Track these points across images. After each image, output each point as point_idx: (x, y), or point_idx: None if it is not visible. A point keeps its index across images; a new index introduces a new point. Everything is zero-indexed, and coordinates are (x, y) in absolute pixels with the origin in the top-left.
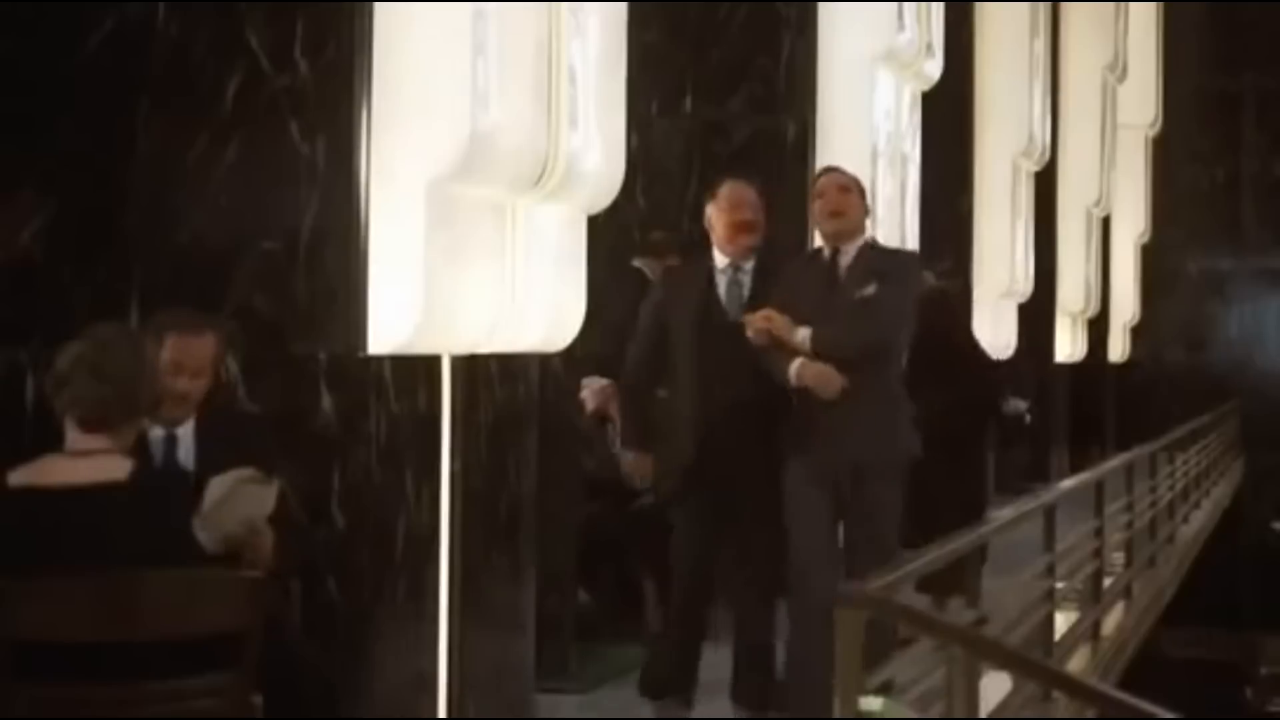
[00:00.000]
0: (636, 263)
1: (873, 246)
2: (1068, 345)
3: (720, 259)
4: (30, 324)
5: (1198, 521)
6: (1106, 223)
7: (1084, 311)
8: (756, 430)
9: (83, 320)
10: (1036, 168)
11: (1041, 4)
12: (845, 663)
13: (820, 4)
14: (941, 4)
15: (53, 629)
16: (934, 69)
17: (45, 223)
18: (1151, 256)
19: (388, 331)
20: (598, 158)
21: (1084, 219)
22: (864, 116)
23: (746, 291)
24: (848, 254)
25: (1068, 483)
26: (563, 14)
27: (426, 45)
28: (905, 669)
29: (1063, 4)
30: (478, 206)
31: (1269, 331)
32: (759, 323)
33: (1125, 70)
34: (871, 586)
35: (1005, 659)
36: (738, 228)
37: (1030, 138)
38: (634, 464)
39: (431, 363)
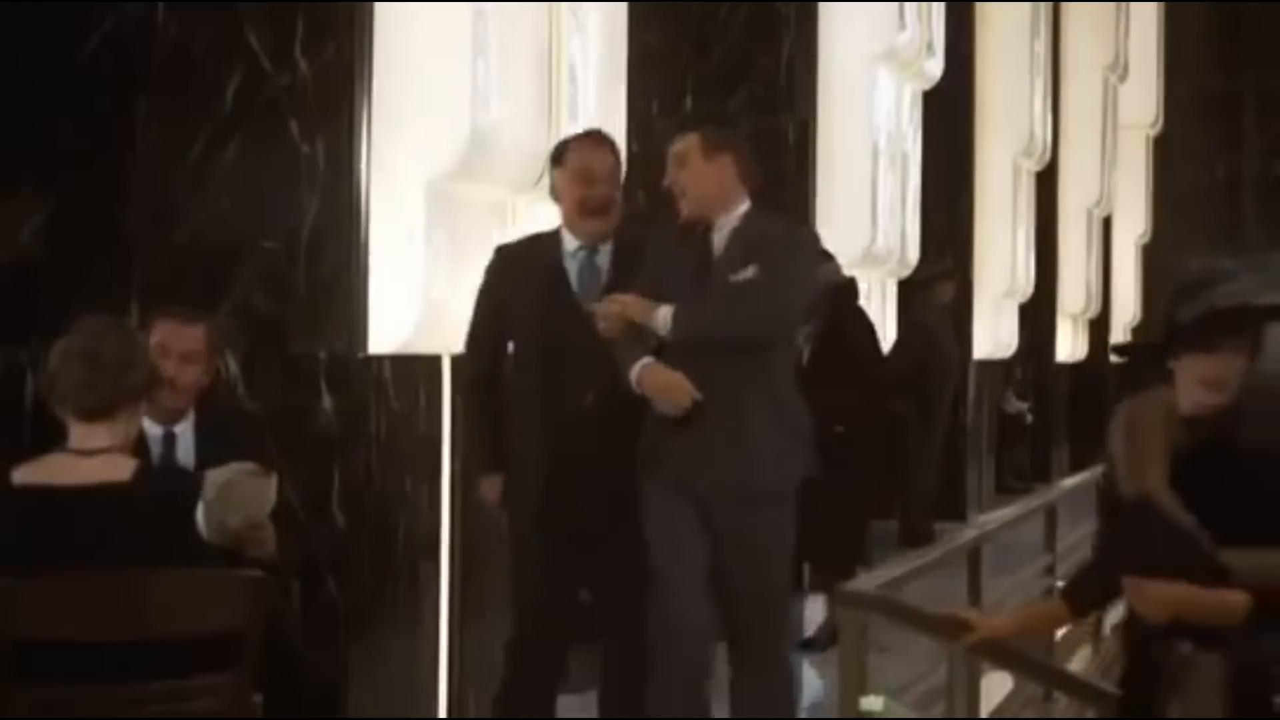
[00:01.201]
0: None
1: (754, 219)
2: (1068, 346)
3: (570, 239)
4: (30, 323)
5: None
6: (1107, 223)
7: (1085, 312)
8: (616, 446)
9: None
10: (1037, 168)
11: (1042, 4)
12: (847, 662)
13: (821, 3)
14: (942, 4)
15: (53, 629)
16: (935, 68)
17: (45, 222)
18: (1152, 256)
19: (388, 331)
20: None
21: (1085, 219)
22: (864, 116)
23: (605, 278)
24: (723, 230)
25: (1068, 482)
26: (563, 14)
27: (426, 45)
28: (906, 669)
29: (1063, 4)
30: (478, 206)
31: (1270, 332)
32: (610, 308)
33: (1126, 70)
34: (872, 585)
35: (1006, 658)
36: (586, 207)
37: (1031, 137)
38: (485, 486)
39: (431, 363)
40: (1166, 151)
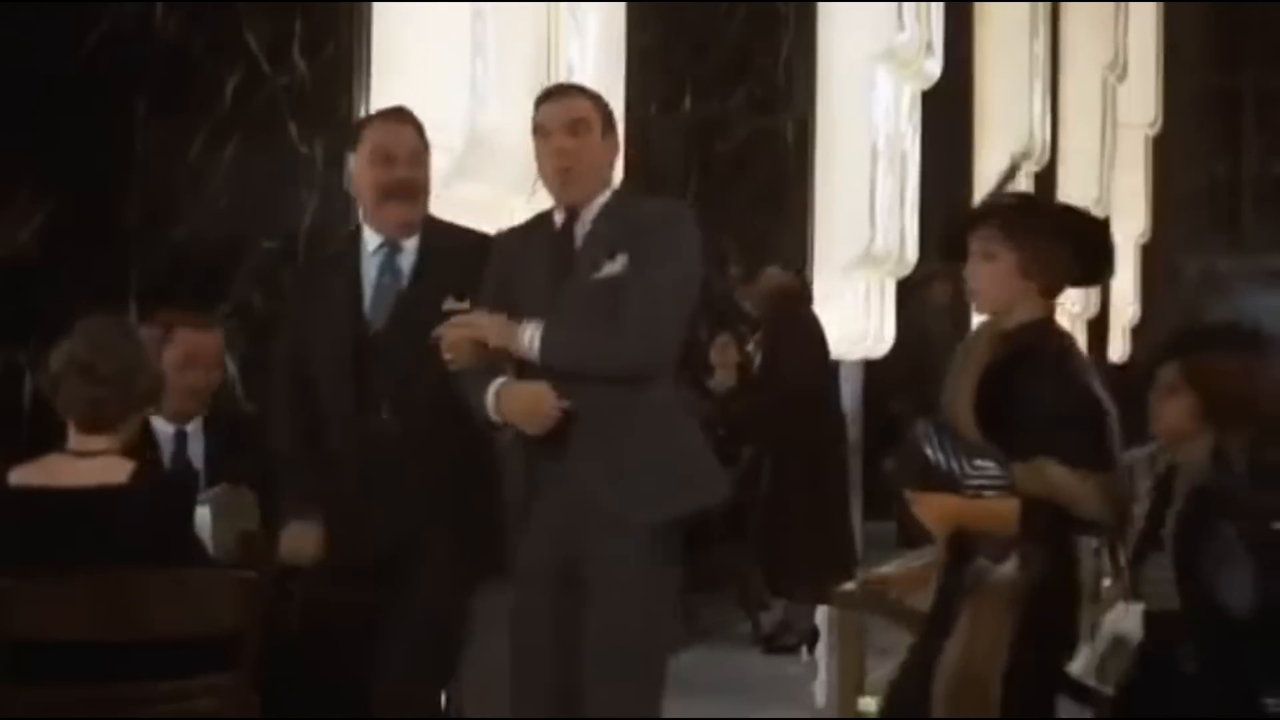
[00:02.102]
0: None
1: (622, 199)
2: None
3: (370, 236)
4: (29, 323)
5: None
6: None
7: (1083, 312)
8: (423, 468)
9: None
10: (1036, 167)
11: (1041, 3)
12: (844, 663)
13: (820, 3)
14: (941, 3)
15: (51, 629)
16: (934, 68)
17: (44, 222)
18: (1151, 256)
19: None
20: None
21: None
22: (863, 116)
23: (406, 281)
24: (585, 218)
25: None
26: (561, 14)
27: (424, 45)
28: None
29: (1062, 3)
30: (477, 206)
31: (1271, 331)
32: (455, 335)
33: (1125, 70)
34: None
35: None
36: (389, 190)
37: (1030, 137)
38: (293, 537)
39: None
40: (1166, 151)
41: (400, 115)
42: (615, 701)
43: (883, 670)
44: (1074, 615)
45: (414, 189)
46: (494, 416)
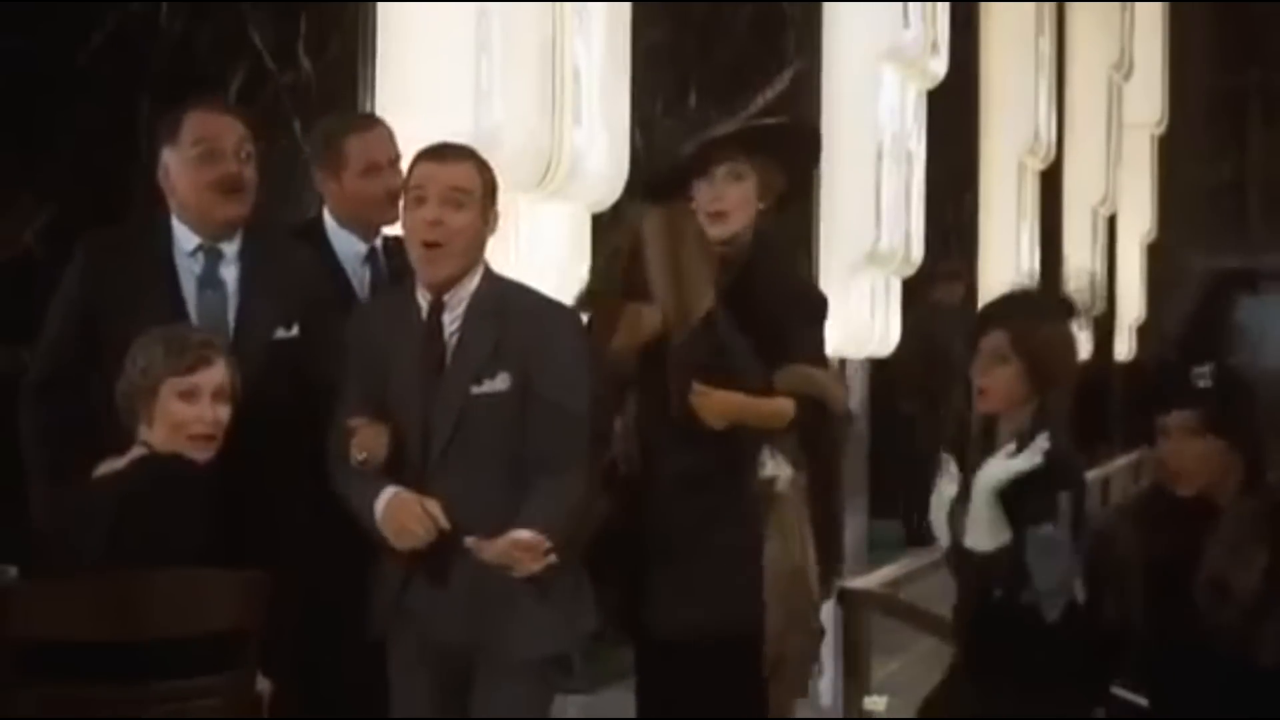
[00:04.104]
0: None
1: (495, 286)
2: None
3: (186, 235)
4: (32, 323)
5: None
6: (1112, 222)
7: (1090, 310)
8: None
9: None
10: (1042, 166)
11: (1047, 2)
12: (851, 661)
13: (825, 3)
14: (947, 2)
15: (54, 629)
16: (939, 67)
17: (48, 221)
18: (1158, 256)
19: None
20: (602, 156)
21: (1089, 218)
22: (869, 115)
23: (231, 295)
24: (454, 307)
25: None
26: (566, 13)
27: (429, 43)
28: (909, 669)
29: (1068, 3)
30: None
31: (1275, 330)
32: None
33: (1131, 68)
34: (876, 584)
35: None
36: (217, 186)
37: (1036, 135)
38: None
39: None
40: (1171, 150)
41: (224, 106)
42: None
43: (889, 669)
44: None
45: (244, 186)
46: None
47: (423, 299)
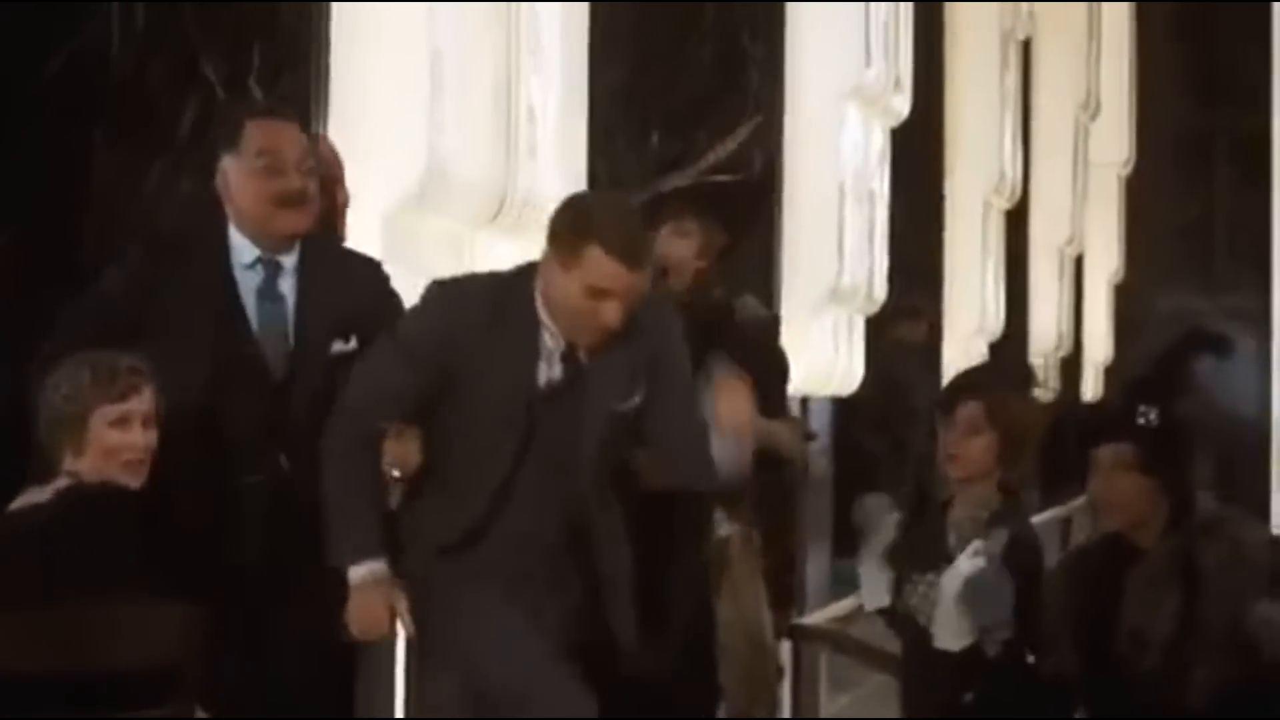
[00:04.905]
0: None
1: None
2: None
3: (245, 247)
4: None
5: None
6: (1079, 261)
7: (1056, 350)
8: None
9: (35, 349)
10: (1008, 205)
11: (1012, 40)
12: (801, 696)
13: (788, 40)
14: (910, 38)
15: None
16: (902, 105)
17: (1, 251)
18: (1125, 296)
19: None
20: (558, 193)
21: (1056, 258)
22: (832, 153)
23: (290, 307)
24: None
25: (1034, 519)
26: (522, 50)
27: (383, 76)
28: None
29: (1035, 40)
30: (437, 239)
31: (1241, 371)
32: None
33: (1098, 108)
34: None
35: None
36: (280, 199)
37: (1001, 174)
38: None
39: None
40: (1139, 190)
41: (287, 115)
42: None
43: (839, 704)
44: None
45: (308, 200)
46: None
47: (554, 329)
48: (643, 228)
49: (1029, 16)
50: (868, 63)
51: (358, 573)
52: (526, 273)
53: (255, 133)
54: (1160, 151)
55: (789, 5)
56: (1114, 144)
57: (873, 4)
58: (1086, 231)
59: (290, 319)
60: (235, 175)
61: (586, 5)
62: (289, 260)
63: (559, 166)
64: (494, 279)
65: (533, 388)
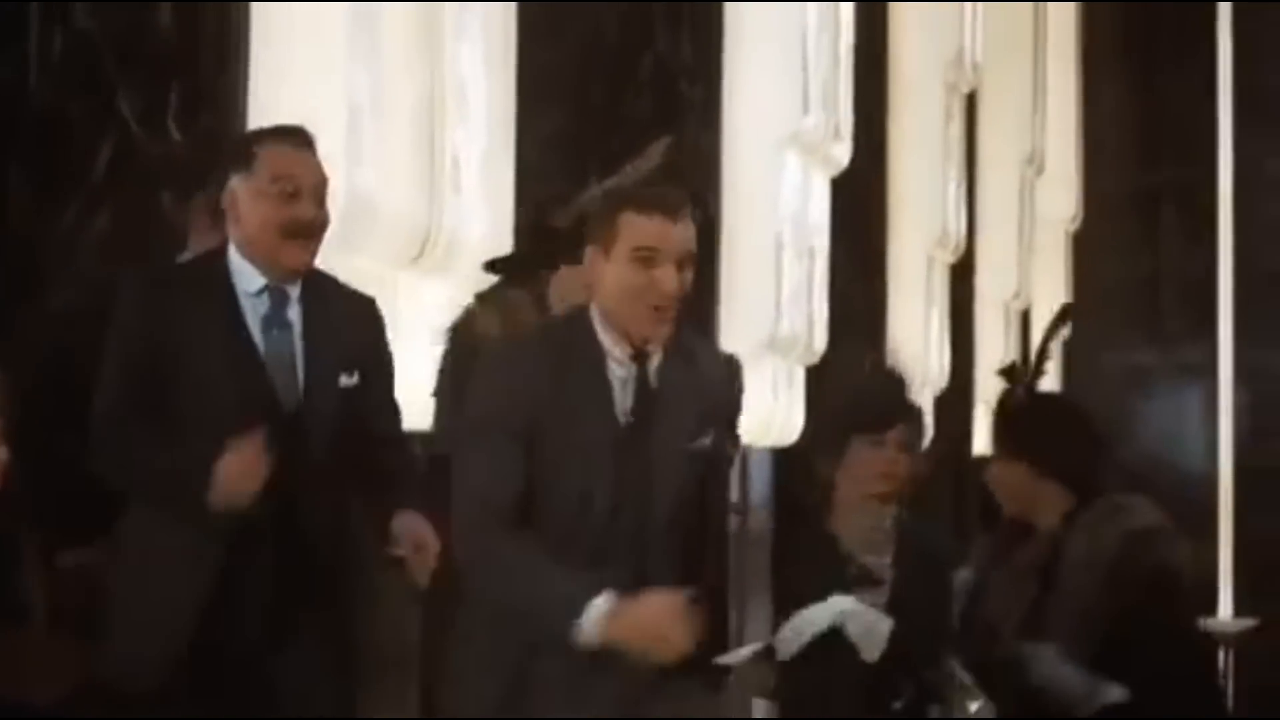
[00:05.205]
0: None
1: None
2: (987, 437)
3: (250, 274)
4: None
5: None
6: (1027, 316)
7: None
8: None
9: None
10: (952, 259)
11: (956, 92)
12: None
13: (725, 87)
14: (850, 87)
15: None
16: (843, 153)
17: None
18: (1073, 351)
19: None
20: (483, 234)
21: (1002, 311)
22: (770, 201)
23: (298, 337)
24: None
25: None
26: (447, 95)
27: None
28: None
29: (980, 94)
30: (360, 279)
31: (1189, 427)
32: None
33: (1043, 163)
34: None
35: None
36: (292, 228)
37: (944, 229)
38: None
39: None
40: (1086, 246)
41: (304, 138)
42: None
43: None
44: None
45: (322, 230)
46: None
47: (619, 353)
48: (671, 184)
49: (973, 70)
50: (805, 110)
51: (600, 610)
52: (580, 310)
53: (271, 155)
54: (1108, 208)
55: (727, 53)
56: (1061, 200)
57: (811, 52)
58: (1034, 287)
59: (299, 348)
60: (245, 198)
61: (513, 50)
62: (294, 290)
63: (485, 207)
64: (547, 324)
65: (613, 422)
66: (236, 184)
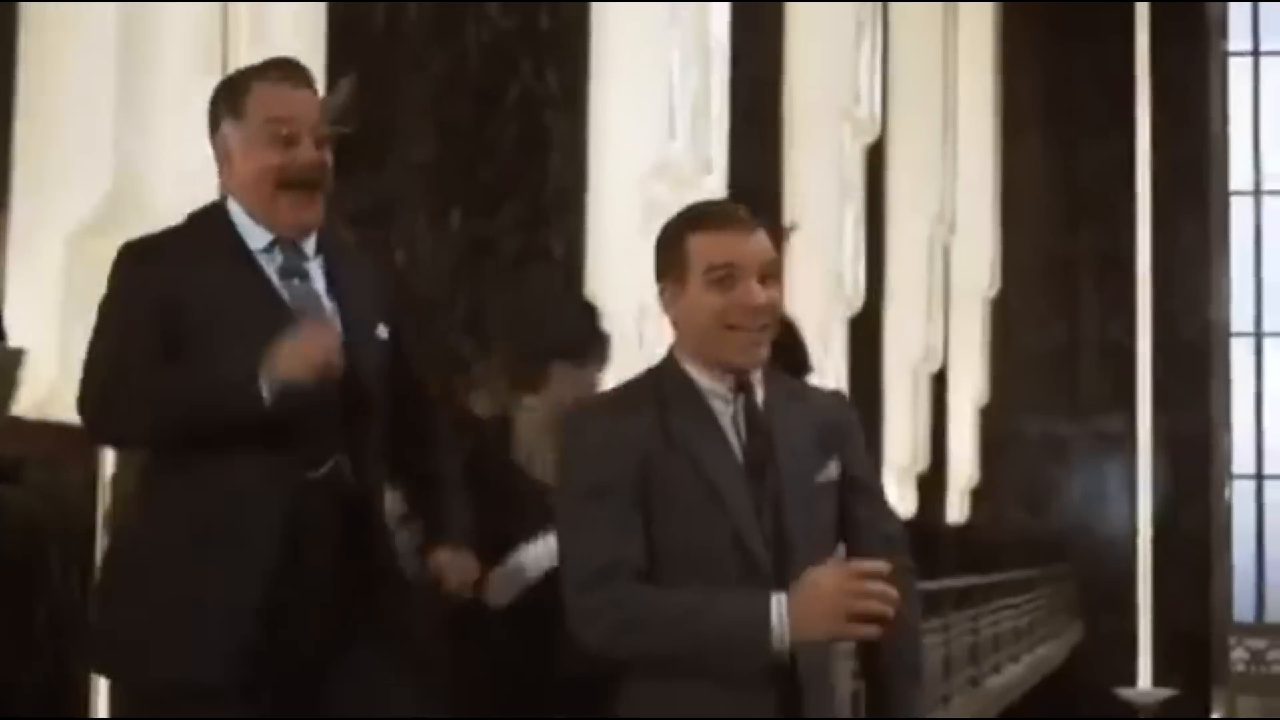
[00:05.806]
0: None
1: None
2: (895, 501)
3: (256, 231)
4: None
5: (1013, 674)
6: (942, 379)
7: (912, 466)
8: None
9: None
10: (851, 313)
11: (860, 140)
12: None
13: (591, 118)
14: (726, 120)
15: None
16: (715, 185)
17: None
18: (991, 419)
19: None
20: None
21: (910, 374)
22: (637, 237)
23: (321, 288)
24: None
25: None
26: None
27: (73, 101)
28: None
29: (888, 150)
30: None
31: (1110, 495)
32: None
33: (954, 225)
34: None
35: None
36: (290, 174)
37: (840, 279)
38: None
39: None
40: (1004, 314)
41: (301, 73)
42: None
43: None
44: None
45: (326, 175)
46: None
47: (721, 389)
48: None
49: (870, 120)
50: (671, 136)
51: (776, 611)
52: (664, 359)
53: (264, 96)
54: (1025, 275)
55: (593, 83)
56: (979, 269)
57: (677, 84)
58: (953, 356)
59: (324, 298)
60: (237, 144)
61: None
62: (307, 245)
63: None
64: (633, 379)
65: (733, 460)
66: (227, 129)
